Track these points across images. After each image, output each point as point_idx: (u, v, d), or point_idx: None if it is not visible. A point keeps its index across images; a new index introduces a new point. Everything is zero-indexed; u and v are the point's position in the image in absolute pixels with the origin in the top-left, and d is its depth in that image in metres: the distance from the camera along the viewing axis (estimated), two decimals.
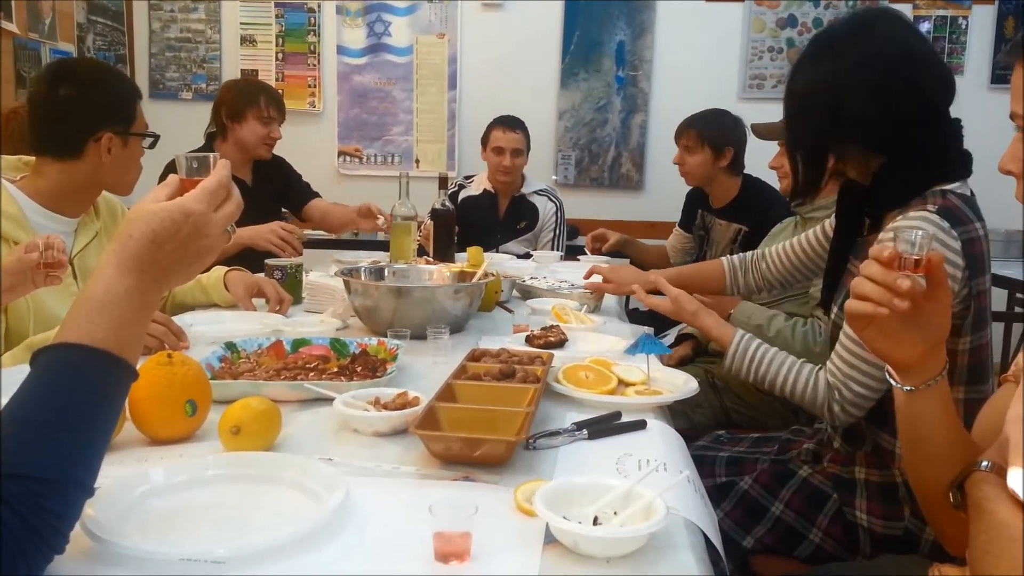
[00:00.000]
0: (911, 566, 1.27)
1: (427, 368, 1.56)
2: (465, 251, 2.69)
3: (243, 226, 2.57)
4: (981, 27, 4.56)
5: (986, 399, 1.13)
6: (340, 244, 4.05)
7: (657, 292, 1.84)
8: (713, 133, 3.08)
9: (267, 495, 0.96)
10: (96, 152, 1.78)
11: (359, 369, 1.44)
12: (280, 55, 4.73)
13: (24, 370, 0.77)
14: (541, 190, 3.85)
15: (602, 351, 1.66)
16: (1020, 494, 0.80)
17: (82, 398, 0.76)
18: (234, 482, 0.99)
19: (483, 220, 3.72)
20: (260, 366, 1.45)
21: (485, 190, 3.79)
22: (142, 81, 4.66)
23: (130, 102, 1.86)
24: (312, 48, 4.73)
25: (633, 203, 4.73)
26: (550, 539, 0.86)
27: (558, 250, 3.68)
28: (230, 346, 1.53)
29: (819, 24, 4.55)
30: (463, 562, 0.81)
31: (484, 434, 1.08)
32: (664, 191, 4.43)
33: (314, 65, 4.75)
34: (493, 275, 2.12)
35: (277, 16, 4.71)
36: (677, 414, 1.97)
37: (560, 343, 1.72)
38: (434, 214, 2.74)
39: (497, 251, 3.50)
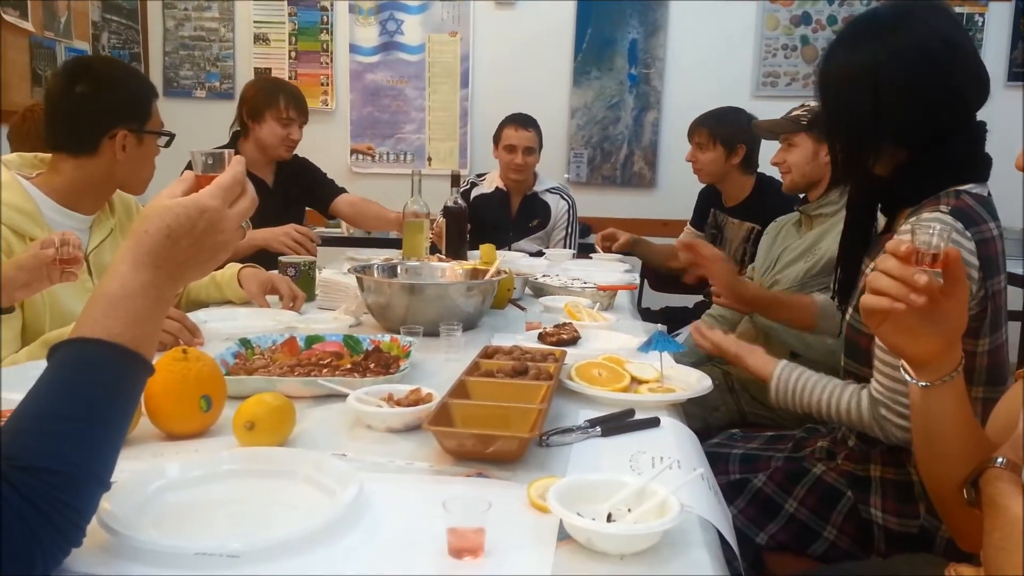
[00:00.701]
0: (926, 566, 1.26)
1: (440, 365, 1.56)
2: (477, 249, 2.69)
3: (266, 227, 2.59)
4: (998, 24, 4.52)
5: None
6: (353, 242, 4.07)
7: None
8: (725, 130, 3.07)
9: (281, 490, 0.97)
10: (111, 149, 1.79)
11: (372, 366, 1.44)
12: (293, 53, 4.74)
13: (40, 365, 0.77)
14: (553, 188, 3.85)
15: (615, 348, 1.66)
16: None
17: (98, 393, 0.76)
18: (249, 477, 0.99)
19: (495, 218, 3.72)
20: (274, 362, 1.46)
21: (497, 188, 3.79)
22: (156, 79, 4.67)
23: (146, 100, 1.87)
24: (325, 46, 4.74)
25: (646, 201, 4.71)
26: (563, 535, 0.86)
27: (570, 248, 3.68)
28: (244, 342, 1.53)
29: (833, 22, 4.52)
30: (476, 558, 0.81)
31: (497, 431, 1.09)
32: (677, 189, 4.41)
33: (327, 63, 4.75)
34: (506, 272, 2.12)
35: (290, 14, 4.72)
36: (694, 417, 1.95)
37: (573, 340, 1.72)
38: (446, 212, 2.75)
39: (509, 249, 3.50)
